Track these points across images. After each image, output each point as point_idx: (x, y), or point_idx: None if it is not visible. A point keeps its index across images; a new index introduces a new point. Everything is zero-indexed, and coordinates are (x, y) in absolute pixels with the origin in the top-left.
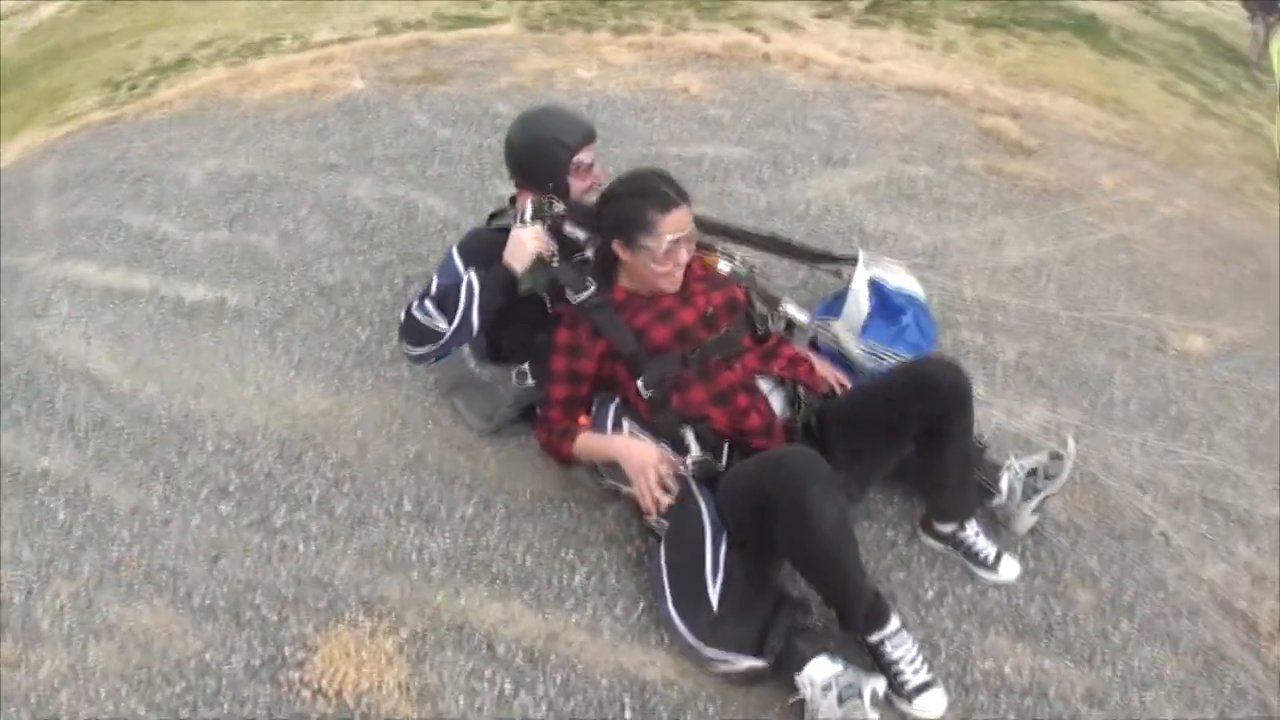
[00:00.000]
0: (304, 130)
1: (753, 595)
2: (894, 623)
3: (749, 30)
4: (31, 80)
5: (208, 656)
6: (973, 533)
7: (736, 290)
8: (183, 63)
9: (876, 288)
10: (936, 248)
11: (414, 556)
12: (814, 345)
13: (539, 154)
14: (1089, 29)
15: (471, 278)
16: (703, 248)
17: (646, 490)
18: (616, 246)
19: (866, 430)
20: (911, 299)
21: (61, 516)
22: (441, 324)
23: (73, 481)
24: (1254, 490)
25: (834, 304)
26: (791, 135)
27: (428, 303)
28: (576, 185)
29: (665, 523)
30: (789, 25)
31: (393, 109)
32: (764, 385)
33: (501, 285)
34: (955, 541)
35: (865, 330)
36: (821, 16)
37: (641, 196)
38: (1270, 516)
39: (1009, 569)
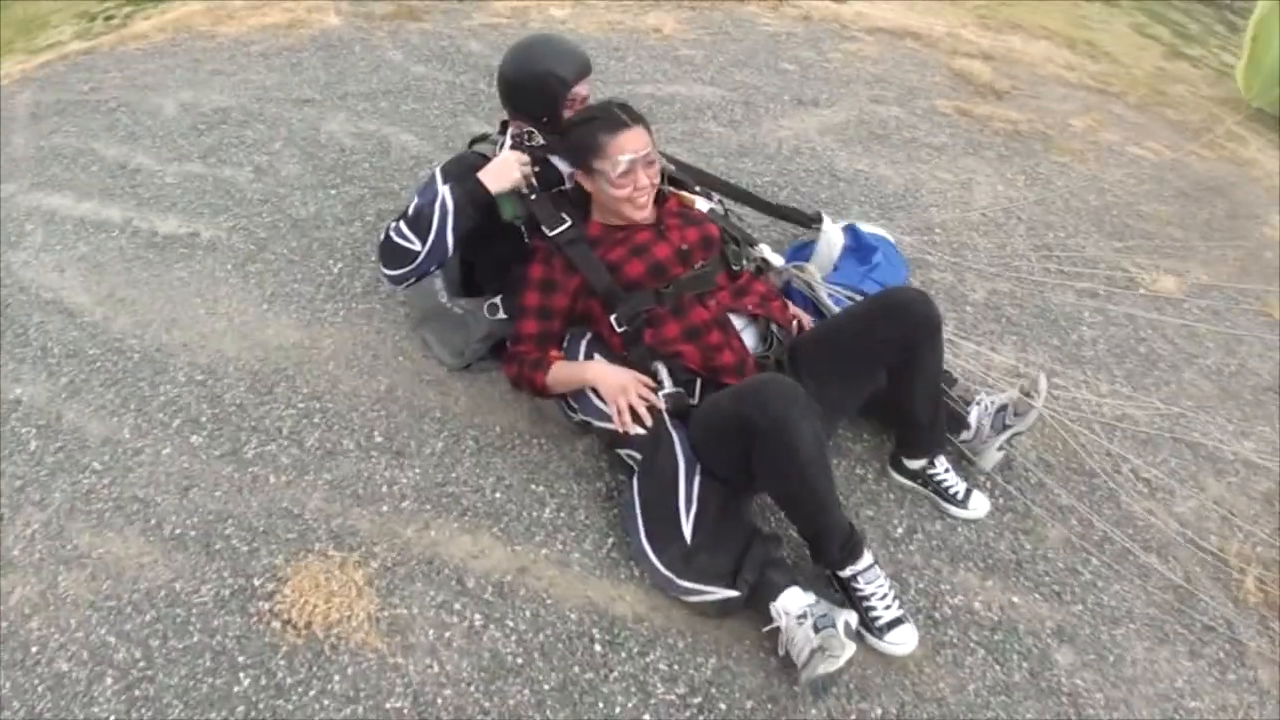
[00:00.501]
0: (278, 65)
1: (726, 528)
2: (867, 557)
3: None
4: (8, 9)
5: (178, 586)
6: (942, 469)
7: (711, 227)
8: None
9: (850, 229)
10: (907, 188)
11: (384, 489)
12: (785, 291)
13: (533, 86)
14: None
15: (445, 195)
16: (680, 186)
17: (625, 409)
18: (579, 177)
19: (838, 362)
20: (882, 239)
21: (33, 445)
22: (416, 244)
23: (44, 411)
24: (1223, 427)
25: (805, 248)
26: (763, 76)
27: (401, 223)
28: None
29: (638, 455)
30: None
31: (367, 45)
32: (737, 322)
33: (476, 204)
34: (925, 478)
35: (837, 268)
36: None
37: (591, 121)
38: (1239, 453)
39: (979, 505)
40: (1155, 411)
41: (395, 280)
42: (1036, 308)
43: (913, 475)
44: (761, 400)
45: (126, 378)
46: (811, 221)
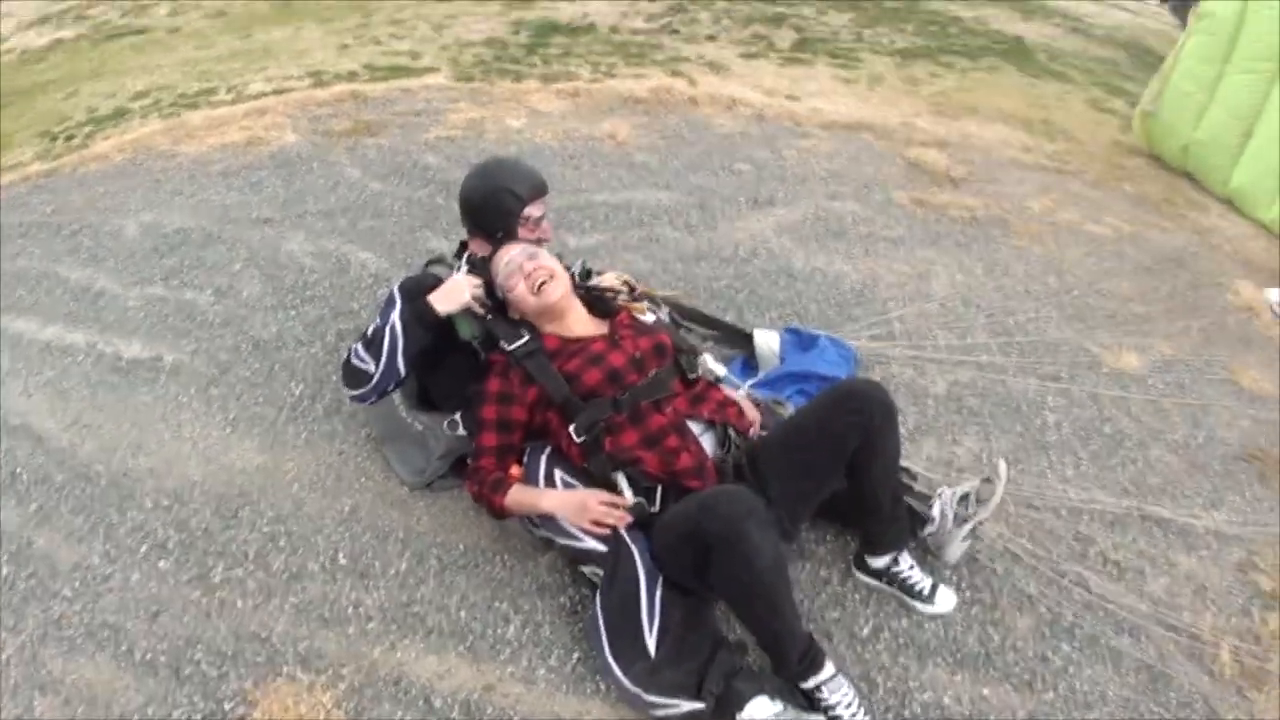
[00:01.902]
0: (238, 184)
1: (689, 639)
2: (829, 668)
3: (675, 74)
4: None
5: (150, 711)
6: (906, 566)
7: (663, 336)
8: (119, 113)
9: (788, 329)
10: (865, 284)
11: (350, 611)
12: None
13: (490, 202)
14: (1016, 53)
15: (395, 319)
16: (630, 299)
17: (593, 527)
18: (509, 308)
19: (798, 459)
20: (822, 333)
21: (4, 571)
22: (370, 365)
23: (15, 537)
24: (1193, 500)
25: (745, 365)
26: (718, 178)
27: (359, 345)
28: (524, 236)
29: (600, 571)
30: (716, 67)
31: (324, 162)
32: (695, 428)
33: (425, 325)
34: (890, 576)
35: (783, 361)
36: (748, 57)
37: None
38: (1210, 525)
39: (945, 600)
40: (1122, 491)
41: (356, 399)
42: (998, 396)
43: (878, 573)
44: (719, 513)
45: (94, 504)
46: (746, 339)
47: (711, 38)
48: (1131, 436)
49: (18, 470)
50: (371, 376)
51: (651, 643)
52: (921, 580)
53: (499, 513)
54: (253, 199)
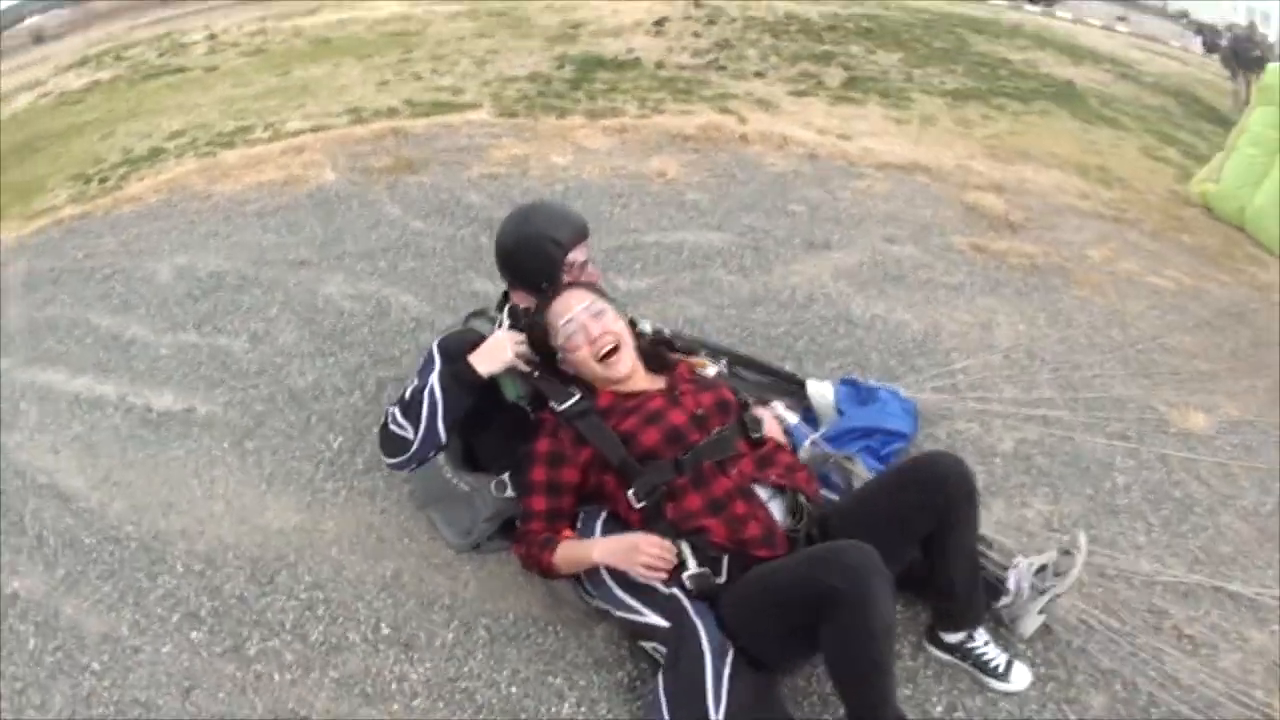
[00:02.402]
0: (274, 224)
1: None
2: None
3: (724, 111)
4: (5, 173)
5: None
6: (981, 641)
7: (725, 391)
8: (154, 154)
9: (844, 381)
10: (926, 333)
11: (394, 686)
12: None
13: (529, 253)
14: (1067, 96)
15: (434, 382)
16: (687, 352)
17: (650, 568)
18: (563, 365)
19: (871, 535)
20: (880, 385)
21: (31, 644)
22: (409, 432)
23: (42, 606)
24: (1264, 572)
25: (804, 418)
26: (772, 219)
27: (396, 410)
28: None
29: (662, 648)
30: (765, 104)
31: (364, 201)
32: (761, 493)
33: (466, 388)
34: (964, 652)
35: (844, 418)
36: (797, 94)
37: (536, 310)
38: None
39: (1021, 677)
40: (1193, 560)
41: (395, 467)
42: (1067, 455)
43: (951, 649)
44: (845, 565)
45: (123, 568)
46: (800, 387)
47: (760, 74)
48: (1201, 502)
49: (44, 533)
50: (410, 444)
51: None
52: (997, 656)
53: (548, 571)
54: (289, 240)
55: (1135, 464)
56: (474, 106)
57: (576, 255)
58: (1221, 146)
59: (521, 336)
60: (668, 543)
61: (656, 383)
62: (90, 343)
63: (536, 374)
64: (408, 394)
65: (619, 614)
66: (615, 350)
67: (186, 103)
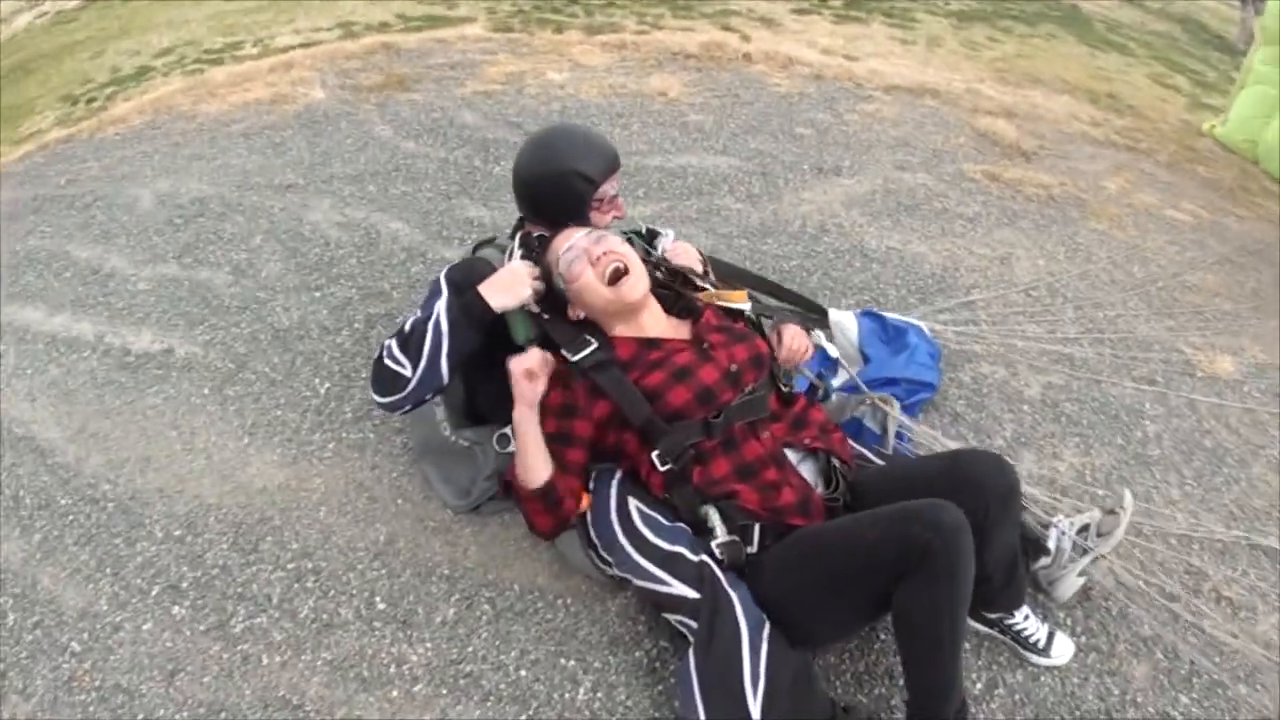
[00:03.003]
0: (260, 145)
1: (802, 705)
2: None
3: (726, 28)
4: (2, 95)
5: None
6: (1021, 617)
7: (760, 343)
8: (142, 73)
9: (867, 314)
10: (945, 267)
11: (392, 669)
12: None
13: (554, 187)
14: (1073, 20)
15: (440, 313)
16: (720, 278)
17: (526, 378)
18: (570, 308)
19: None
20: (909, 323)
21: (11, 619)
22: (407, 369)
23: (20, 576)
24: None
25: (824, 358)
26: (779, 143)
27: (394, 343)
28: (598, 220)
29: (691, 623)
30: (767, 22)
31: (353, 121)
32: (792, 456)
33: (475, 323)
34: (1003, 627)
35: (869, 359)
36: (800, 12)
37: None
38: None
39: (1063, 650)
40: (1229, 515)
41: (386, 408)
42: (1096, 402)
43: (990, 623)
44: (936, 521)
45: (101, 533)
46: (820, 314)
47: None
48: (1232, 452)
49: (20, 493)
50: (407, 382)
51: (757, 709)
52: (1037, 631)
53: (554, 519)
54: (276, 162)
55: (1165, 411)
56: (468, 20)
57: (608, 188)
58: (1229, 77)
59: (538, 270)
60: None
61: (680, 330)
62: (69, 276)
63: (547, 317)
64: (408, 326)
65: (640, 583)
66: (624, 272)
67: (177, 18)
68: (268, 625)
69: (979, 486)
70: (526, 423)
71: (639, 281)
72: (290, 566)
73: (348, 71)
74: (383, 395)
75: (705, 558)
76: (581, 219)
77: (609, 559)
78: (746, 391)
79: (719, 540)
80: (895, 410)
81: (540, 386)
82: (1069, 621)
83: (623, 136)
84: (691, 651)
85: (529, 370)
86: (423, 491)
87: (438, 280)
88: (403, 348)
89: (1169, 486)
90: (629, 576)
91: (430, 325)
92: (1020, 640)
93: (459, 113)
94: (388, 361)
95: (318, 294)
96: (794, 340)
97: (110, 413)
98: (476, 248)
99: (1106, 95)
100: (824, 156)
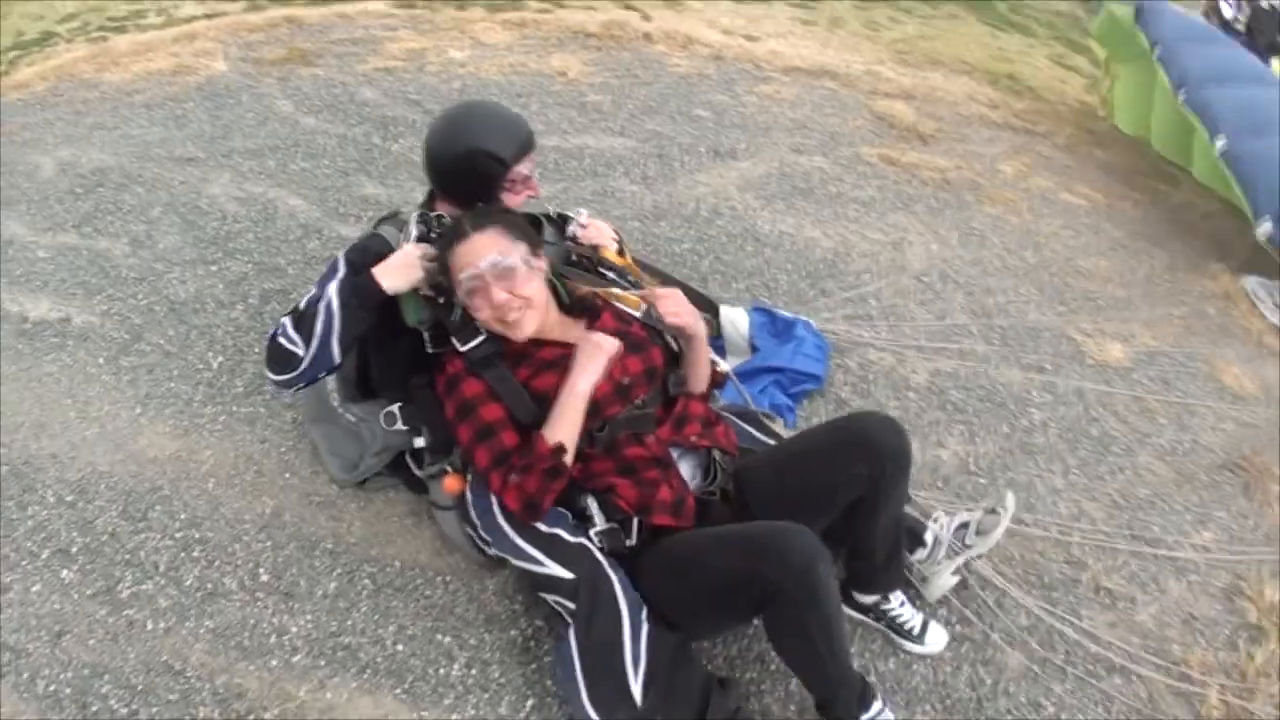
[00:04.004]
0: (162, 117)
1: (680, 682)
2: (878, 704)
3: (628, 7)
4: None
5: None
6: (897, 603)
7: (655, 353)
8: (46, 38)
9: (757, 309)
10: (836, 252)
11: (273, 640)
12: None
13: (465, 166)
14: (976, 1)
15: (332, 294)
16: (604, 280)
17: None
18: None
19: (791, 497)
20: (796, 318)
21: None
22: (300, 348)
23: None
24: (1182, 517)
25: (715, 341)
26: (676, 124)
27: (288, 321)
28: (510, 200)
29: (570, 604)
30: (671, 2)
31: (254, 94)
32: (674, 453)
33: (367, 305)
34: (878, 613)
35: (757, 349)
36: None
37: (442, 235)
38: (1198, 545)
39: (937, 639)
40: (1112, 504)
41: (280, 385)
42: (983, 389)
43: (864, 609)
44: (786, 558)
45: None
46: (712, 309)
47: None
48: (1119, 440)
49: None
50: (299, 361)
51: (637, 690)
52: (911, 618)
53: (542, 497)
54: (177, 134)
55: (1052, 399)
56: None
57: (521, 169)
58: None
59: (433, 251)
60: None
61: (573, 330)
62: None
63: (440, 300)
64: (302, 304)
65: (518, 563)
66: (520, 316)
67: None
68: (154, 592)
69: (874, 445)
70: (586, 394)
71: (532, 321)
72: (178, 535)
73: (251, 44)
74: (277, 373)
75: (584, 540)
76: (492, 199)
77: (487, 539)
78: (635, 405)
79: (599, 528)
80: (779, 426)
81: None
82: (944, 611)
83: (522, 115)
84: (571, 631)
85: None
86: (310, 466)
87: (336, 259)
88: (296, 326)
89: (1053, 475)
90: (507, 556)
91: (322, 306)
92: (894, 627)
93: (359, 89)
94: (281, 340)
95: (214, 268)
96: (668, 301)
97: (6, 379)
98: (378, 223)
99: (1006, 77)
100: (720, 139)
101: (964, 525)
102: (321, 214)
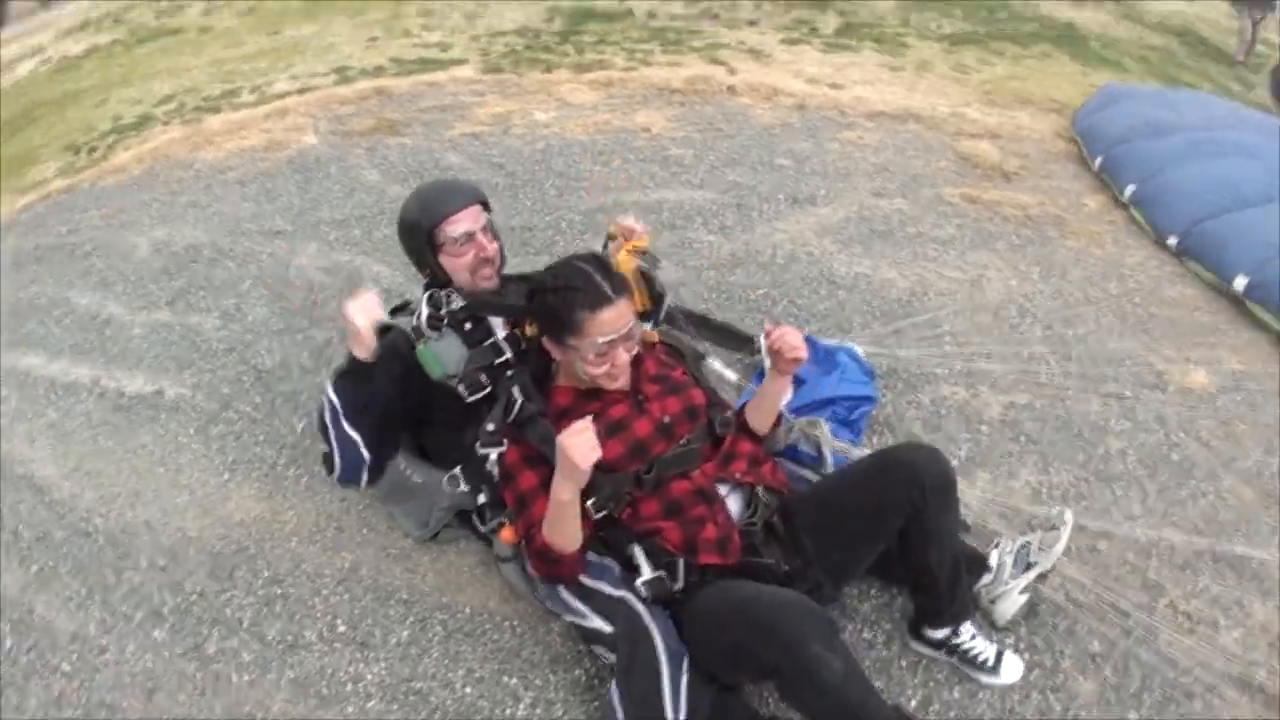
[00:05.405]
0: (253, 192)
1: None
2: None
3: (714, 61)
4: (4, 145)
5: None
6: (968, 635)
7: (695, 394)
8: (143, 121)
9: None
10: (913, 292)
11: (348, 687)
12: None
13: (406, 238)
14: (1068, 39)
15: (328, 388)
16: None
17: (587, 444)
18: (547, 343)
19: (839, 526)
20: (840, 345)
21: (8, 643)
22: (325, 446)
23: (17, 604)
24: (1268, 539)
25: (760, 377)
26: (757, 174)
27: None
28: (456, 264)
29: (612, 656)
30: (756, 54)
31: (343, 165)
32: (721, 489)
33: (354, 378)
34: (950, 648)
35: (803, 385)
36: (790, 43)
37: (568, 291)
38: None
39: (1012, 669)
40: (1193, 529)
41: (341, 484)
42: (1058, 419)
43: (936, 644)
44: (777, 641)
45: (92, 563)
46: (748, 345)
47: (753, 23)
48: (1201, 465)
49: (19, 528)
50: (332, 458)
51: None
52: (985, 650)
53: (568, 562)
54: (267, 208)
55: (1131, 426)
56: (460, 63)
57: (457, 227)
58: (1226, 88)
59: (367, 299)
60: (579, 423)
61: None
62: (69, 323)
63: (444, 325)
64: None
65: (568, 618)
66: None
67: (178, 66)
68: (238, 646)
69: (913, 474)
70: (570, 502)
71: (628, 376)
72: (261, 592)
73: (340, 117)
74: (330, 473)
75: (626, 593)
76: (435, 267)
77: (541, 594)
78: (680, 444)
79: (644, 578)
80: (824, 431)
81: (589, 462)
82: (1012, 639)
83: (603, 173)
84: (615, 680)
85: (585, 453)
86: (386, 523)
87: None
88: (319, 430)
89: (1130, 501)
90: (558, 611)
91: (326, 403)
92: (968, 660)
93: (444, 154)
94: (321, 446)
95: (300, 336)
96: (786, 335)
97: (104, 451)
98: (392, 313)
99: None
100: (800, 186)
101: (1026, 545)
102: (405, 279)
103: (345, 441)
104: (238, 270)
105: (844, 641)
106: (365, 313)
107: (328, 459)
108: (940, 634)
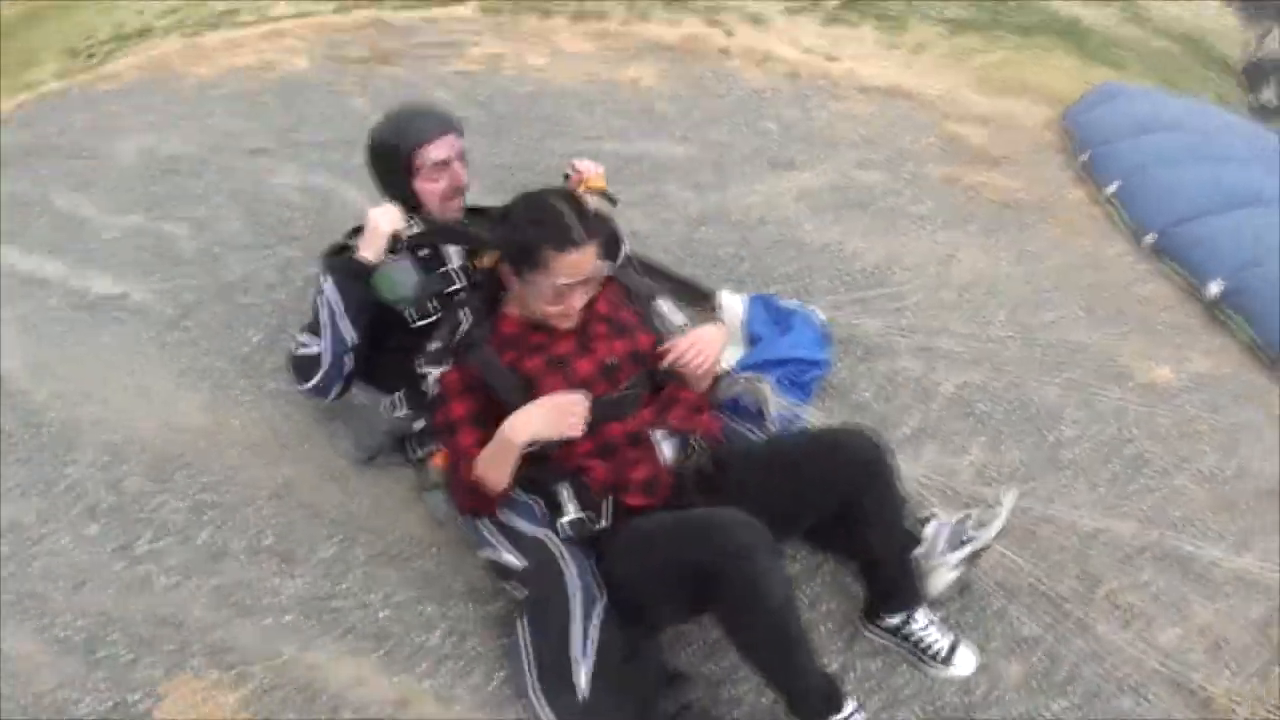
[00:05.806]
0: (240, 109)
1: (629, 675)
2: (849, 705)
3: (712, 23)
4: (7, 39)
5: (60, 695)
6: (925, 621)
7: (643, 338)
8: (144, 31)
9: (758, 298)
10: (880, 265)
11: (268, 600)
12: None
13: (380, 160)
14: (1071, 33)
15: (326, 287)
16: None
17: (575, 426)
18: (505, 271)
19: (769, 492)
20: (798, 305)
21: None
22: (314, 346)
23: None
24: (1217, 541)
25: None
26: (740, 135)
27: (298, 334)
28: (428, 189)
29: (524, 590)
30: (756, 19)
31: (331, 90)
32: (656, 434)
33: (360, 278)
34: (903, 635)
35: (756, 341)
36: (791, 11)
37: (538, 226)
38: (1233, 571)
39: (965, 662)
40: (1138, 524)
41: (313, 393)
42: (1013, 402)
43: (890, 631)
44: (724, 545)
45: (38, 456)
46: (707, 299)
47: None
48: (1155, 461)
49: None
50: (319, 357)
51: (583, 680)
52: (939, 640)
53: (486, 497)
54: (253, 125)
55: (1087, 415)
56: (460, 0)
57: (432, 152)
58: (1225, 95)
59: (391, 207)
60: (575, 395)
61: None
62: (45, 222)
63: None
64: (309, 314)
65: (481, 553)
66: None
67: None
68: (166, 550)
69: (846, 453)
70: (522, 445)
71: (576, 317)
72: (196, 498)
73: (335, 44)
74: (304, 380)
75: (547, 531)
76: (405, 188)
77: (460, 523)
78: (622, 387)
79: (567, 518)
80: (768, 390)
81: (561, 433)
82: (942, 614)
83: (586, 121)
84: (524, 618)
85: (567, 422)
86: (328, 441)
87: (318, 273)
88: (308, 330)
89: (1077, 490)
90: (471, 537)
91: (322, 300)
92: (920, 650)
93: (433, 90)
94: (299, 351)
95: (268, 252)
96: (692, 348)
97: (65, 348)
98: (351, 233)
99: None
100: (782, 151)
101: (963, 521)
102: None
103: (338, 340)
104: (216, 181)
105: (788, 576)
106: (390, 219)
107: (305, 363)
108: (894, 619)
